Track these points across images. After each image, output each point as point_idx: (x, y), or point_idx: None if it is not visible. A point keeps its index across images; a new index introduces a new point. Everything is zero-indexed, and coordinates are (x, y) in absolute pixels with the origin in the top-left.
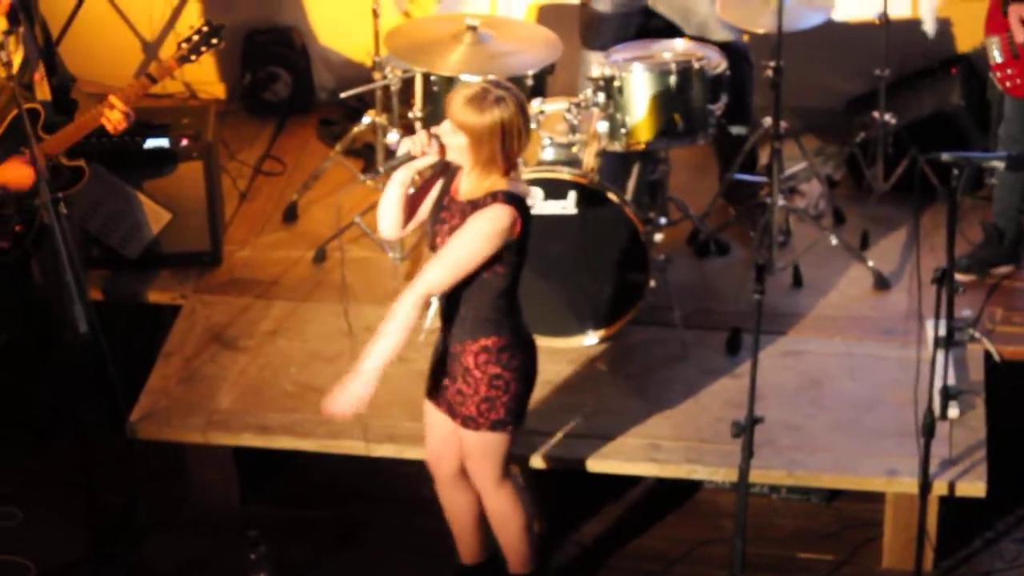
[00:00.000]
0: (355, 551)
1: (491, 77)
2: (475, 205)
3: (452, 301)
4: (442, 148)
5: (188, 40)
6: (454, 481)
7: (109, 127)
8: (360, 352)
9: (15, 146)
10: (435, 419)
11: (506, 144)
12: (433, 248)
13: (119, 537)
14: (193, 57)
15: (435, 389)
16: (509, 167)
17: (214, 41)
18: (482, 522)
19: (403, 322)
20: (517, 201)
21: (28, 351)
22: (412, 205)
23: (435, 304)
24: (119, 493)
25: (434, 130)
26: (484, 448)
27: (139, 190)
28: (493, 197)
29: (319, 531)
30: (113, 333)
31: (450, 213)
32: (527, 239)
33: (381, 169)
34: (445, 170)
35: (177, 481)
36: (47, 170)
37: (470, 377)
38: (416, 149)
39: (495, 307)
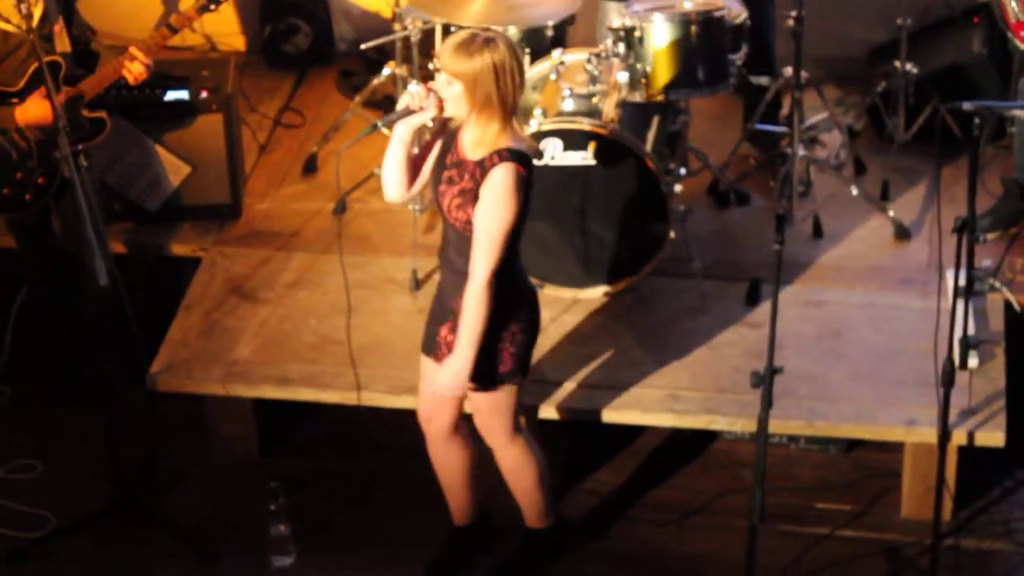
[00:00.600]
0: (375, 502)
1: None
2: (483, 168)
3: (453, 255)
4: (440, 102)
5: None
6: (446, 440)
7: (130, 78)
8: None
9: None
10: (431, 376)
11: (501, 86)
12: (442, 209)
13: (139, 489)
14: (212, 7)
15: (432, 344)
16: (507, 113)
17: None
18: (474, 481)
19: (482, 311)
20: (520, 157)
21: (49, 304)
22: (415, 167)
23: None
24: (139, 445)
25: (430, 84)
26: (493, 403)
27: (159, 143)
28: (499, 156)
29: (339, 483)
30: (133, 286)
31: (457, 172)
32: (530, 193)
33: (379, 123)
34: (443, 130)
35: (197, 433)
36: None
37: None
38: (414, 103)
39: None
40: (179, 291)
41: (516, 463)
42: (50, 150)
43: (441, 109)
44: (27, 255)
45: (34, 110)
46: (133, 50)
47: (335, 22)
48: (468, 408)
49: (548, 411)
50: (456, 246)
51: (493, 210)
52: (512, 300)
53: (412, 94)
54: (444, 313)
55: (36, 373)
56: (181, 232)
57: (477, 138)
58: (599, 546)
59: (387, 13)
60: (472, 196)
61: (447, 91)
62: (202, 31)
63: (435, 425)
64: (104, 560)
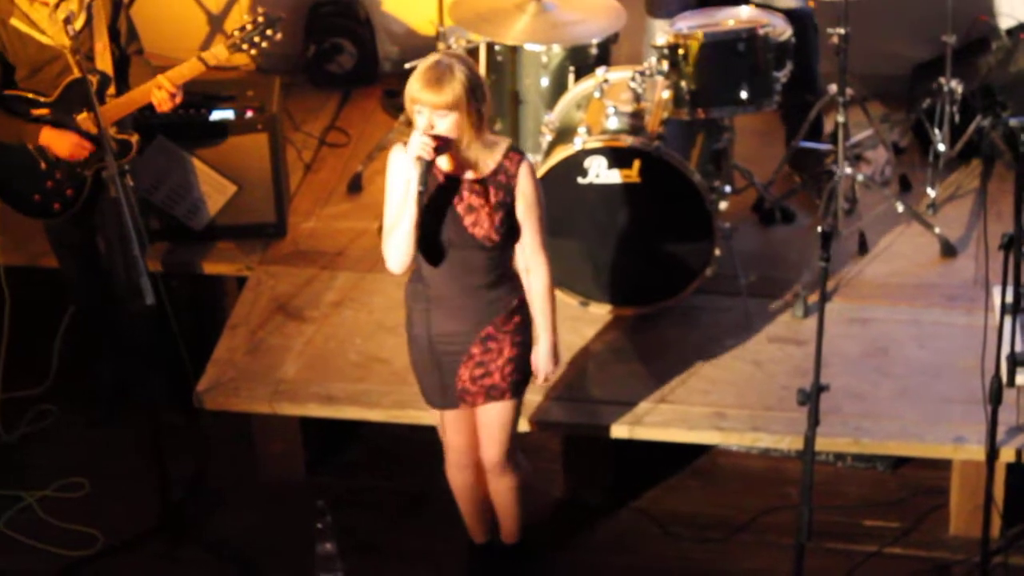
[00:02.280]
0: (421, 520)
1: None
2: (507, 173)
3: (478, 280)
4: (442, 138)
5: (242, 29)
6: (476, 465)
7: (156, 106)
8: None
9: (66, 113)
10: (458, 423)
11: (480, 96)
12: (474, 240)
13: (186, 508)
14: (245, 47)
15: (451, 394)
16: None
17: (269, 32)
18: (488, 498)
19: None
20: (520, 149)
21: (95, 324)
22: None
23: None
24: (186, 464)
25: (422, 132)
26: (511, 414)
27: (204, 162)
28: (514, 154)
29: (384, 501)
30: (177, 305)
31: (479, 194)
32: None
33: (422, 189)
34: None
35: (244, 452)
36: (92, 141)
37: (492, 343)
38: (427, 153)
39: (511, 263)
40: (221, 310)
41: (511, 480)
42: (76, 165)
43: (446, 142)
44: (72, 275)
45: (59, 142)
46: (160, 78)
47: (379, 42)
48: (489, 423)
49: (598, 430)
50: (483, 266)
51: (539, 199)
52: (526, 306)
53: (420, 148)
54: (455, 359)
55: (83, 392)
56: (226, 251)
57: (481, 152)
58: (643, 564)
59: (431, 32)
60: (508, 204)
61: (444, 123)
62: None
63: (472, 456)
64: None
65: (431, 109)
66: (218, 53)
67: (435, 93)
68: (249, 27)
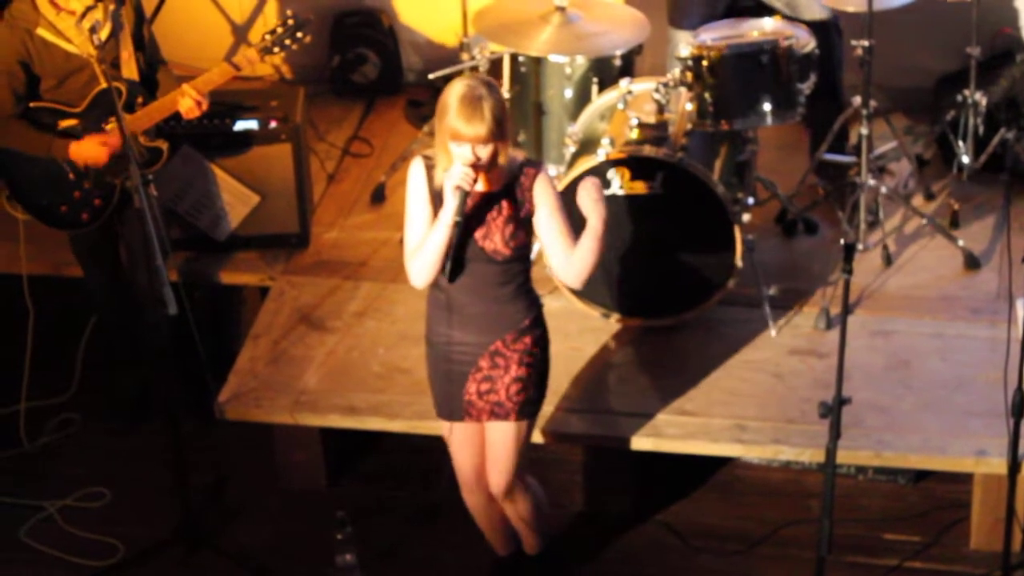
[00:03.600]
0: (440, 531)
1: (463, 78)
2: (520, 186)
3: (494, 291)
4: (482, 165)
5: (272, 32)
6: (486, 488)
7: (183, 113)
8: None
9: (95, 122)
10: (465, 439)
11: (508, 116)
12: (485, 253)
13: (207, 518)
14: (276, 50)
15: (457, 406)
16: None
17: (299, 35)
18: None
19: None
20: (537, 163)
21: (117, 333)
22: None
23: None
24: (207, 474)
25: (465, 162)
26: (524, 433)
27: (228, 172)
28: (528, 167)
29: (405, 511)
30: (200, 315)
31: (496, 207)
32: None
33: (458, 219)
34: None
35: (265, 462)
36: (121, 150)
37: (500, 360)
38: (468, 184)
39: (529, 279)
40: (244, 320)
41: (522, 504)
42: (105, 175)
43: (486, 169)
44: (96, 284)
45: (88, 151)
46: (186, 87)
47: (403, 52)
48: (495, 442)
49: (614, 442)
50: (495, 280)
51: (559, 205)
52: (542, 323)
53: (462, 178)
54: (464, 369)
55: (105, 401)
56: (249, 261)
57: (499, 167)
58: None
59: (454, 43)
60: (523, 218)
61: (485, 152)
62: (271, 60)
63: (481, 477)
64: None
65: (474, 144)
66: (250, 56)
67: (478, 126)
68: (279, 30)
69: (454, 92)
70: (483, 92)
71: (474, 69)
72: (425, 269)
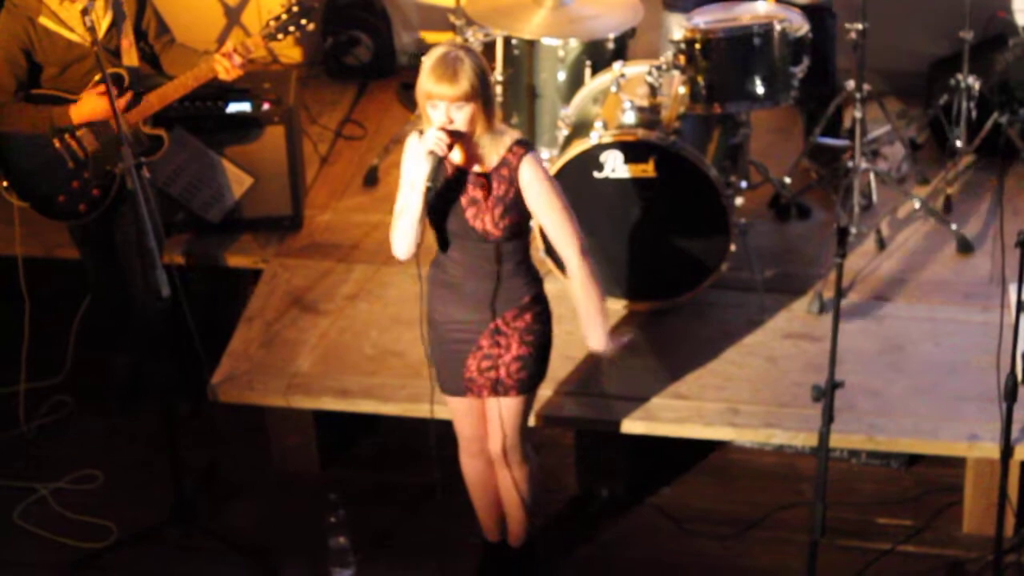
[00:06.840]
0: (433, 514)
1: (444, 43)
2: (509, 167)
3: (491, 267)
4: (457, 133)
5: (277, 19)
6: (487, 455)
7: (221, 73)
8: None
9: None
10: (467, 411)
11: (490, 83)
12: (475, 232)
13: (200, 500)
14: (280, 36)
15: (459, 383)
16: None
17: (303, 22)
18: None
19: (595, 279)
20: (529, 143)
21: (111, 315)
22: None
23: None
24: (200, 456)
25: (438, 126)
26: (525, 408)
27: (221, 155)
28: (518, 148)
29: (398, 494)
30: (192, 297)
31: (483, 187)
32: None
33: (431, 186)
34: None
35: (258, 445)
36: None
37: (500, 338)
38: (440, 148)
39: (529, 256)
40: (236, 302)
41: (518, 472)
42: (105, 162)
43: (461, 136)
44: (90, 266)
45: (88, 105)
46: (229, 44)
47: (396, 35)
48: (496, 415)
49: (607, 425)
50: (491, 258)
51: (550, 191)
52: (544, 300)
53: (435, 143)
54: (464, 348)
55: (98, 384)
56: (242, 243)
57: (489, 145)
58: (657, 560)
59: (447, 25)
60: (511, 199)
61: (460, 116)
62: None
63: (484, 447)
64: (165, 571)
65: (448, 102)
66: (252, 43)
67: (451, 85)
68: (284, 16)
69: (431, 53)
70: (460, 54)
71: None
72: (402, 237)
